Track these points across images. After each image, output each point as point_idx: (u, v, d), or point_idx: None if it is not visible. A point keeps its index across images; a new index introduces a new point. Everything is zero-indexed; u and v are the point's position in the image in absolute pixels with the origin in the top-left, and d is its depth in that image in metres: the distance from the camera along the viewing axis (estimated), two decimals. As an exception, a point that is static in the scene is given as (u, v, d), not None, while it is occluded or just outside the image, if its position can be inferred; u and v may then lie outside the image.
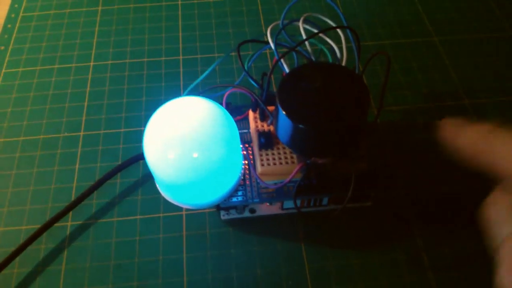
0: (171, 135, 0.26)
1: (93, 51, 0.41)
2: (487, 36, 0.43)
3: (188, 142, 0.26)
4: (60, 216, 0.31)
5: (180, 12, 0.44)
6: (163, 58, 0.41)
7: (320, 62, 0.29)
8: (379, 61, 0.40)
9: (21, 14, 0.45)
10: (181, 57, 0.41)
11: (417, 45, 0.42)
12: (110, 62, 0.40)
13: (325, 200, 0.31)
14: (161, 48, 0.41)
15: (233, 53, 0.40)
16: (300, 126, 0.25)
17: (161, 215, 0.32)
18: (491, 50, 0.42)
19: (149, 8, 0.45)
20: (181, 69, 0.40)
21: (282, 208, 0.31)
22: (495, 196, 0.22)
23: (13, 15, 0.45)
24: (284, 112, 0.25)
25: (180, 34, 0.43)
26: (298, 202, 0.31)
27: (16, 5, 0.46)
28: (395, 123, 0.37)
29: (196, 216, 0.32)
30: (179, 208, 0.32)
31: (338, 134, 0.25)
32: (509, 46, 0.42)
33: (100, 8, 0.45)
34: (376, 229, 0.32)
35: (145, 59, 0.41)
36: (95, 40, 0.42)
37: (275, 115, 0.27)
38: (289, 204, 0.31)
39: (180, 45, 0.42)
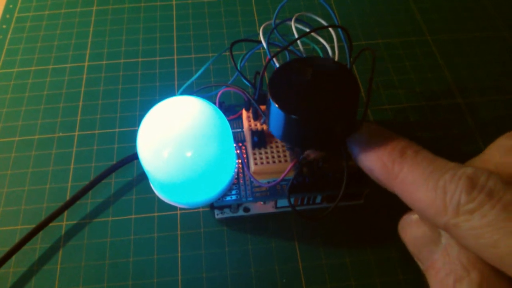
0: (164, 135, 0.26)
1: (88, 51, 0.41)
2: (481, 35, 0.43)
3: (181, 141, 0.26)
4: (55, 215, 0.31)
5: (174, 12, 0.44)
6: (158, 58, 0.41)
7: (311, 56, 0.29)
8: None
9: (16, 14, 0.45)
10: (175, 57, 0.41)
11: (411, 44, 0.42)
12: (104, 62, 0.41)
13: (318, 198, 0.31)
14: (155, 48, 0.42)
15: (226, 53, 0.40)
16: (292, 116, 0.25)
17: (155, 214, 0.32)
18: (485, 49, 0.42)
19: (143, 8, 0.45)
20: (176, 69, 0.40)
21: (276, 207, 0.32)
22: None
23: (8, 16, 0.45)
24: (276, 104, 0.25)
25: (175, 34, 0.43)
26: (292, 200, 0.31)
27: (11, 6, 0.46)
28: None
29: (190, 215, 0.32)
30: (173, 208, 0.32)
31: (329, 124, 0.26)
32: (502, 45, 0.42)
33: (94, 8, 0.45)
34: (369, 227, 0.32)
35: (140, 59, 0.41)
36: (89, 40, 0.42)
37: (268, 110, 0.27)
38: (282, 202, 0.31)
39: (175, 45, 0.42)
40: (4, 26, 0.44)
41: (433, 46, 0.42)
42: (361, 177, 0.30)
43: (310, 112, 0.25)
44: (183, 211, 0.32)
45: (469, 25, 0.44)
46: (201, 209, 0.32)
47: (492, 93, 0.39)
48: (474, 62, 0.41)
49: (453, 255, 0.19)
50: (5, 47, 0.42)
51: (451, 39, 0.43)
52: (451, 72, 0.40)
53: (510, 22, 0.44)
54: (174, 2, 0.45)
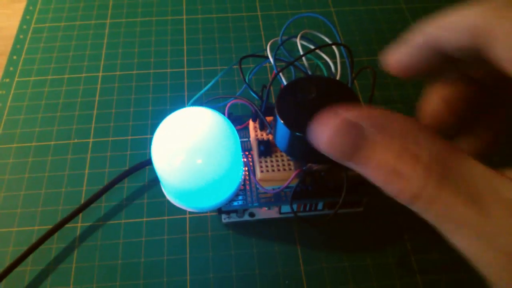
0: (177, 143, 0.28)
1: (102, 62, 0.43)
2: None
3: (193, 149, 0.28)
4: (71, 217, 0.33)
5: (184, 26, 0.46)
6: (169, 70, 0.43)
7: (315, 75, 0.31)
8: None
9: (32, 25, 0.47)
10: (185, 69, 0.43)
11: (410, 61, 0.44)
12: (118, 73, 0.43)
13: (320, 205, 0.33)
14: (166, 60, 0.44)
15: (235, 66, 0.42)
16: (297, 133, 0.27)
17: (166, 218, 0.34)
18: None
19: (155, 22, 0.47)
20: (186, 81, 0.42)
21: (280, 213, 0.33)
22: None
23: (25, 27, 0.47)
24: (282, 121, 0.27)
25: (185, 47, 0.45)
26: (295, 206, 0.33)
27: (28, 17, 0.48)
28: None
29: (199, 219, 0.34)
30: (183, 212, 0.34)
31: None
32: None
33: (108, 21, 0.47)
34: (368, 233, 0.34)
35: (151, 71, 0.43)
36: (103, 51, 0.44)
37: (274, 124, 0.29)
38: (286, 208, 0.33)
39: (185, 58, 0.44)
40: (21, 36, 0.46)
41: (430, 63, 0.44)
42: (361, 187, 0.32)
43: None
44: (192, 215, 0.34)
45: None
46: (208, 214, 0.34)
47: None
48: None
49: (395, 146, 0.19)
50: (23, 56, 0.44)
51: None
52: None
53: None
54: (184, 17, 0.47)
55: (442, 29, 0.23)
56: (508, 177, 0.18)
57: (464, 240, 0.20)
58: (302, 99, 0.28)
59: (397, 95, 0.41)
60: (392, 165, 0.20)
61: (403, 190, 0.20)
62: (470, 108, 0.24)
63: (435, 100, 0.25)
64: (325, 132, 0.21)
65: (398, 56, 0.24)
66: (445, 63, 0.24)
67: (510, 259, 0.18)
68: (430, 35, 0.23)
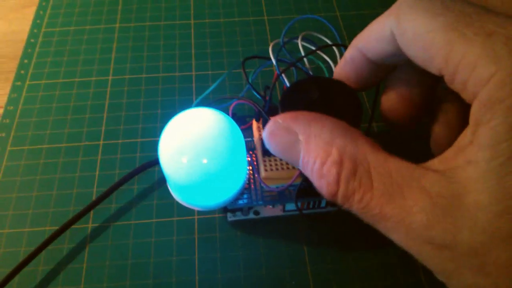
0: (184, 142, 0.29)
1: (112, 66, 0.44)
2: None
3: (199, 149, 0.29)
4: (81, 215, 0.33)
5: (192, 31, 0.47)
6: (177, 74, 0.43)
7: (318, 76, 0.31)
8: (378, 79, 0.43)
9: (43, 29, 0.48)
10: (193, 73, 0.44)
11: (414, 65, 0.45)
12: (127, 76, 0.43)
13: (323, 203, 0.33)
14: (175, 64, 0.44)
15: (237, 70, 0.43)
16: None
17: (174, 219, 0.35)
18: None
19: (163, 26, 0.48)
20: (194, 84, 0.43)
21: (284, 210, 0.34)
22: None
23: (35, 31, 0.48)
24: None
25: (193, 51, 0.45)
26: (299, 203, 0.33)
27: (38, 21, 0.49)
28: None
29: (207, 220, 0.35)
30: (191, 213, 0.35)
31: None
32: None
33: (117, 25, 0.48)
34: (370, 231, 0.34)
35: (160, 74, 0.43)
36: (113, 55, 0.45)
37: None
38: (290, 206, 0.33)
39: (193, 62, 0.44)
40: (32, 40, 0.47)
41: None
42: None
43: None
44: (200, 216, 0.35)
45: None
46: (216, 215, 0.35)
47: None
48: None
49: (312, 145, 0.22)
50: (33, 60, 0.45)
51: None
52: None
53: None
54: (192, 21, 0.48)
55: (365, 41, 0.24)
56: (427, 168, 0.19)
57: (390, 234, 0.20)
58: (305, 100, 0.29)
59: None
60: (312, 164, 0.21)
61: (322, 187, 0.21)
62: (426, 102, 0.25)
63: (392, 95, 0.26)
64: (266, 135, 0.24)
65: (340, 73, 0.26)
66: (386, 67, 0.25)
67: (434, 247, 0.18)
68: (357, 48, 0.24)
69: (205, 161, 0.29)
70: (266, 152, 0.32)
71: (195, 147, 0.29)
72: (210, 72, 0.44)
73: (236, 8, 0.49)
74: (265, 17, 0.48)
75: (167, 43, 0.46)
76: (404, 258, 0.33)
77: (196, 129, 0.29)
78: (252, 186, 0.33)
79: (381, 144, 0.34)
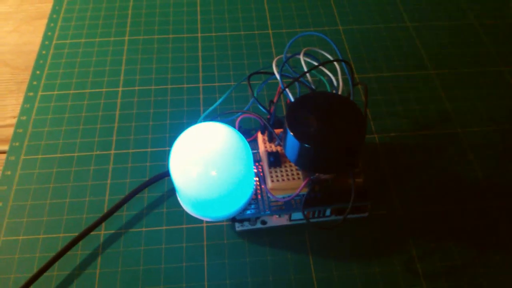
0: (193, 156, 0.31)
1: (122, 77, 0.46)
2: (480, 70, 0.47)
3: (208, 162, 0.30)
4: (95, 225, 0.35)
5: (200, 44, 0.49)
6: (185, 86, 0.45)
7: (322, 91, 0.33)
8: (379, 92, 0.45)
9: (54, 41, 0.49)
10: (200, 84, 0.45)
11: (415, 78, 0.46)
12: (137, 88, 0.45)
13: (328, 211, 0.35)
14: (183, 76, 0.46)
15: (243, 82, 0.44)
16: (306, 145, 0.29)
17: (184, 226, 0.36)
18: (484, 83, 0.46)
19: (172, 40, 0.49)
20: (201, 96, 0.44)
21: (290, 220, 0.35)
22: None
23: (47, 42, 0.49)
24: (292, 134, 0.29)
25: (200, 63, 0.47)
26: (305, 213, 0.35)
27: (49, 33, 0.50)
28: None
29: (215, 228, 0.36)
30: (200, 220, 0.36)
31: (338, 153, 0.30)
32: (500, 79, 0.46)
33: (127, 38, 0.49)
34: (374, 239, 0.36)
35: (169, 86, 0.45)
36: (123, 67, 0.47)
37: (284, 137, 0.31)
38: (296, 215, 0.35)
39: (200, 74, 0.46)
40: (44, 52, 0.48)
41: (435, 80, 0.46)
42: (365, 193, 0.34)
43: (321, 142, 0.29)
44: (208, 224, 0.36)
45: (470, 60, 0.48)
46: (224, 223, 0.36)
47: (490, 123, 0.43)
48: (474, 94, 0.45)
49: None
50: (45, 71, 0.46)
51: (453, 73, 0.47)
52: (451, 104, 0.44)
53: (507, 57, 0.48)
54: (199, 35, 0.50)
55: None
56: None
57: None
58: (310, 114, 0.30)
59: (402, 110, 0.43)
60: None
61: None
62: None
63: None
64: None
65: None
66: None
67: None
68: None
69: (214, 173, 0.30)
70: (272, 164, 0.34)
71: (204, 160, 0.30)
72: (216, 84, 0.45)
73: (242, 22, 0.51)
74: (270, 31, 0.50)
75: (175, 55, 0.48)
76: (407, 267, 0.34)
77: (205, 143, 0.31)
78: (259, 197, 0.34)
79: (383, 154, 0.36)
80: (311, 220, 0.35)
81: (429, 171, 0.39)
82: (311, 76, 0.34)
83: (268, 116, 0.34)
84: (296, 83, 0.34)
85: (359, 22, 0.51)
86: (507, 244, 0.35)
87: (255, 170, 0.35)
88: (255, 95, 0.34)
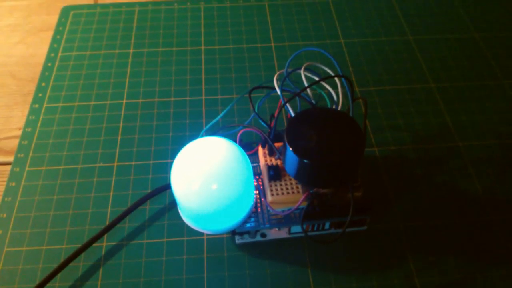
0: (195, 170, 0.31)
1: (126, 90, 0.46)
2: (481, 83, 0.48)
3: (208, 176, 0.31)
4: (97, 237, 0.35)
5: (203, 57, 0.49)
6: (188, 98, 0.45)
7: (321, 107, 0.33)
8: (380, 105, 0.45)
9: (59, 53, 0.50)
10: (203, 97, 0.46)
11: (416, 91, 0.47)
12: (140, 100, 0.45)
13: (327, 225, 0.35)
14: (186, 89, 0.46)
15: (246, 95, 0.44)
16: (305, 161, 0.29)
17: (185, 238, 0.36)
18: (485, 96, 0.46)
19: (175, 52, 0.50)
20: (204, 108, 0.45)
21: (289, 233, 0.36)
22: None
23: (52, 55, 0.50)
24: (291, 149, 0.30)
25: (203, 76, 0.47)
26: (304, 226, 0.35)
27: (55, 45, 0.51)
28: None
29: (215, 240, 0.36)
30: (201, 233, 0.36)
31: (337, 168, 0.30)
32: (501, 93, 0.47)
33: (131, 51, 0.50)
34: (372, 253, 0.36)
35: (172, 99, 0.45)
36: (127, 80, 0.47)
37: (284, 152, 0.32)
38: (295, 229, 0.35)
39: (203, 87, 0.46)
40: (49, 64, 0.49)
41: (436, 93, 0.46)
42: (364, 207, 0.34)
43: (320, 158, 0.30)
44: (209, 237, 0.36)
45: (470, 74, 0.48)
46: (224, 235, 0.36)
47: (489, 137, 0.43)
48: (474, 108, 0.45)
49: None
50: (51, 83, 0.47)
51: (453, 86, 0.47)
52: (451, 117, 0.44)
53: (508, 70, 0.49)
54: (203, 47, 0.50)
55: None
56: None
57: None
58: (310, 129, 0.31)
59: (403, 124, 0.44)
60: None
61: None
62: None
63: None
64: None
65: None
66: None
67: None
68: None
69: (214, 187, 0.30)
70: (272, 177, 0.34)
71: (205, 174, 0.31)
72: (219, 97, 0.46)
73: (245, 35, 0.51)
74: (272, 44, 0.51)
75: (179, 68, 0.48)
76: (406, 281, 0.34)
77: (206, 157, 0.31)
78: (259, 210, 0.34)
79: (383, 167, 0.36)
80: (311, 234, 0.36)
81: (429, 185, 0.39)
82: (312, 90, 0.34)
83: (269, 130, 0.35)
84: (297, 98, 0.34)
85: (360, 35, 0.52)
86: (507, 258, 0.35)
87: (255, 184, 0.35)
88: (256, 109, 0.34)
